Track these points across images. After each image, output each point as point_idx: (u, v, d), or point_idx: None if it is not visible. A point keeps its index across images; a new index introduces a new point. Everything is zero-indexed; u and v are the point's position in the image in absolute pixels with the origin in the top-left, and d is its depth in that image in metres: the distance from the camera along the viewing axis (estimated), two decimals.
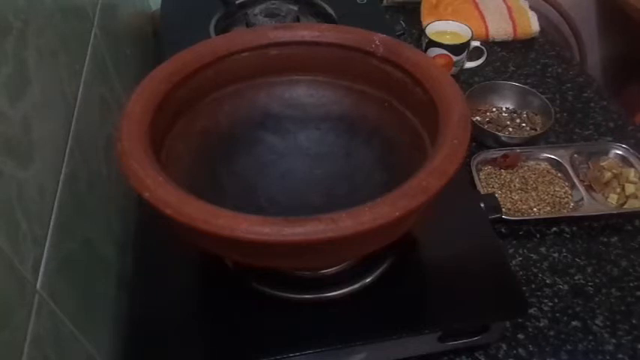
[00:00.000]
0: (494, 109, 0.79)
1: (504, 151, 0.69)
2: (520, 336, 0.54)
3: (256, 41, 0.50)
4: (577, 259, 0.60)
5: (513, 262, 0.60)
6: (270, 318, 0.46)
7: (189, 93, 0.48)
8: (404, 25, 0.92)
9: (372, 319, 0.46)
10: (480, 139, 0.73)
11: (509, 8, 0.96)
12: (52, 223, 0.40)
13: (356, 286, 0.47)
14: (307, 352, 0.44)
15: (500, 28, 0.93)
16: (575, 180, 0.66)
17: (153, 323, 0.47)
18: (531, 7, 0.97)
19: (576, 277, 0.59)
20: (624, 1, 1.15)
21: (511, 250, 0.62)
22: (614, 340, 0.53)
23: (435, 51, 0.82)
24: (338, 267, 0.48)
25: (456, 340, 0.49)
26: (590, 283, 0.58)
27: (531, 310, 0.56)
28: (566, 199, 0.65)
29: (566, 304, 0.56)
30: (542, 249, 0.62)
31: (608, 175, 0.66)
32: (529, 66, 0.89)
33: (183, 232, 0.38)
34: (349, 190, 0.50)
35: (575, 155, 0.69)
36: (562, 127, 0.77)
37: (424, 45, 0.84)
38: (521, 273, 0.59)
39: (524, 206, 0.64)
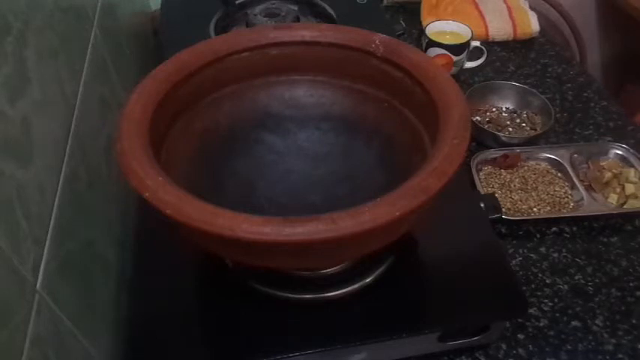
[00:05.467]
0: (494, 109, 0.79)
1: (504, 151, 0.69)
2: (520, 336, 0.54)
3: (256, 41, 0.50)
4: (577, 259, 0.60)
5: (513, 262, 0.60)
6: (270, 318, 0.46)
7: (189, 93, 0.48)
8: (404, 25, 0.93)
9: (372, 319, 0.46)
10: (480, 139, 0.73)
11: (509, 8, 0.96)
12: (52, 223, 0.40)
13: (356, 286, 0.47)
14: (307, 352, 0.44)
15: (500, 28, 0.93)
16: (575, 180, 0.66)
17: (153, 323, 0.47)
18: (531, 7, 0.97)
19: (576, 277, 0.59)
20: (624, 1, 1.15)
21: (511, 250, 0.62)
22: (614, 340, 0.53)
23: (435, 51, 0.82)
24: (338, 267, 0.48)
25: (456, 340, 0.49)
26: (590, 283, 0.58)
27: (531, 310, 0.56)
28: (566, 199, 0.65)
29: (566, 304, 0.56)
30: (542, 249, 0.62)
31: (608, 175, 0.66)
32: (529, 66, 0.89)
33: (183, 232, 0.38)
34: (349, 190, 0.50)
35: (575, 155, 0.69)
36: (562, 127, 0.77)
37: (424, 45, 0.84)
38: (521, 273, 0.59)
39: (524, 206, 0.64)
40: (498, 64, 0.89)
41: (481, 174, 0.68)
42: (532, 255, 0.61)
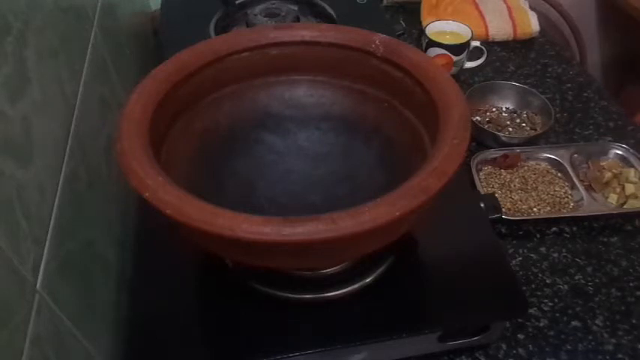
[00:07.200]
0: (494, 109, 0.79)
1: (504, 151, 0.69)
2: (520, 336, 0.54)
3: (256, 41, 0.50)
4: (577, 259, 0.60)
5: (513, 262, 0.60)
6: (270, 318, 0.46)
7: (189, 93, 0.48)
8: (404, 25, 0.93)
9: (372, 319, 0.46)
10: (480, 139, 0.73)
11: (509, 8, 0.96)
12: (52, 223, 0.40)
13: (356, 286, 0.47)
14: (307, 352, 0.44)
15: (500, 28, 0.93)
16: (575, 180, 0.66)
17: (153, 323, 0.47)
18: (531, 7, 0.97)
19: (576, 277, 0.59)
20: (624, 1, 1.15)
21: (511, 250, 0.62)
22: (614, 340, 0.53)
23: (435, 51, 0.82)
24: (338, 267, 0.48)
25: (456, 340, 0.49)
26: (590, 283, 0.58)
27: (531, 310, 0.56)
28: (566, 199, 0.65)
29: (566, 304, 0.56)
30: (542, 249, 0.62)
31: (608, 175, 0.66)
32: (529, 66, 0.89)
33: (183, 232, 0.38)
34: (349, 190, 0.50)
35: (575, 155, 0.69)
36: (562, 127, 0.77)
37: (424, 45, 0.84)
38: (521, 273, 0.59)
39: (524, 206, 0.64)
40: (498, 64, 0.89)
41: (481, 174, 0.68)
42: (532, 255, 0.61)
